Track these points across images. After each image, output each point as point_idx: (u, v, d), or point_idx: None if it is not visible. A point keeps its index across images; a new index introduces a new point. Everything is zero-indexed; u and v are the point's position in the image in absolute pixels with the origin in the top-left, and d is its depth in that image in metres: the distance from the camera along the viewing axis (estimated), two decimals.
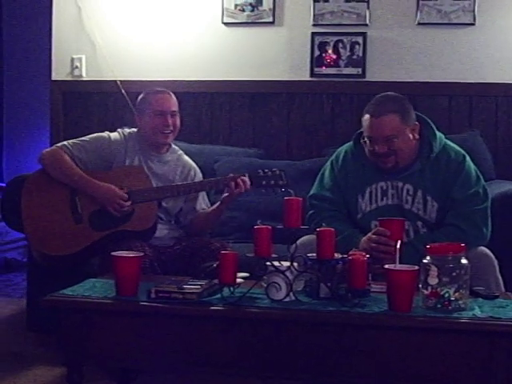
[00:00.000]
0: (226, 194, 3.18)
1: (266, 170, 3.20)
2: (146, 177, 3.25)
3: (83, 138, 3.32)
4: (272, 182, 3.19)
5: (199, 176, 3.43)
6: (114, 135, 3.35)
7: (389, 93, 3.01)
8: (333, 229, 2.35)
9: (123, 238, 3.05)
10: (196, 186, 3.26)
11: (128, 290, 2.37)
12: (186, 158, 3.46)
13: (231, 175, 3.17)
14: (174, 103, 3.32)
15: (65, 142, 3.31)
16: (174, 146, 3.44)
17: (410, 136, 2.90)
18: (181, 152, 3.45)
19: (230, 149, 4.15)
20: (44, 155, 3.26)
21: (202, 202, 3.38)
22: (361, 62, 4.19)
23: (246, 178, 3.14)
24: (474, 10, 4.07)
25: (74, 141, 3.30)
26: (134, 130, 3.40)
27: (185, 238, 3.34)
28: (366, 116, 2.90)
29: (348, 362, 2.22)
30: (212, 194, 3.56)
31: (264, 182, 3.19)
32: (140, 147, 3.33)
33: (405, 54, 4.17)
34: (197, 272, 2.77)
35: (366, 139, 2.91)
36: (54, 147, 3.32)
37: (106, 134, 3.35)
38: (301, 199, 2.40)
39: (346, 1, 4.17)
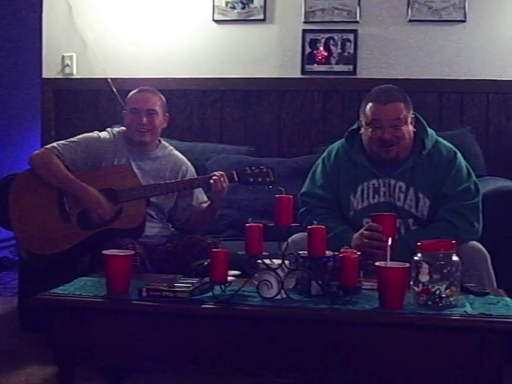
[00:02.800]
0: (211, 192, 3.22)
1: (254, 168, 3.24)
2: (133, 175, 3.26)
3: (72, 139, 3.33)
4: (259, 179, 3.22)
5: (191, 171, 3.44)
6: (104, 134, 3.36)
7: (388, 85, 3.02)
8: (324, 226, 2.35)
9: (112, 237, 3.04)
10: (182, 183, 3.27)
11: (119, 288, 2.37)
12: (177, 153, 3.46)
13: (214, 172, 3.20)
14: (152, 102, 3.32)
15: (54, 144, 3.31)
16: (163, 142, 3.44)
17: (410, 128, 2.92)
18: (171, 148, 3.46)
19: (221, 146, 4.15)
20: (33, 157, 3.26)
21: (199, 197, 3.39)
22: (352, 59, 4.19)
23: (222, 172, 3.18)
24: (464, 7, 4.08)
25: (63, 142, 3.31)
26: (124, 128, 3.41)
27: (176, 236, 3.34)
28: (371, 104, 2.90)
29: (339, 359, 2.22)
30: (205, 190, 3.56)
31: (251, 180, 3.22)
32: (129, 145, 3.34)
33: (396, 51, 4.17)
34: (188, 270, 2.77)
35: (368, 127, 2.91)
36: (43, 149, 3.33)
37: (95, 133, 3.37)
38: (292, 197, 2.39)
39: None
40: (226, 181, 3.17)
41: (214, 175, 3.17)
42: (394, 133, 2.88)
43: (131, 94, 3.39)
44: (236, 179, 3.23)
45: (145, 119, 3.28)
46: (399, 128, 2.88)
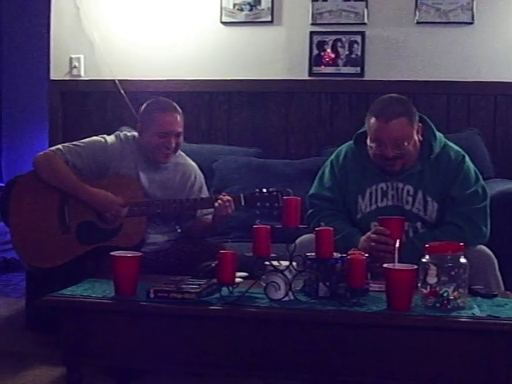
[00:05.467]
0: (215, 214, 3.13)
1: (264, 191, 3.11)
2: (138, 188, 3.18)
3: (78, 143, 3.21)
4: (267, 204, 3.10)
5: (200, 180, 3.34)
6: (111, 139, 3.24)
7: (393, 95, 2.97)
8: (332, 228, 2.35)
9: (107, 253, 2.74)
10: (186, 203, 3.14)
11: (127, 289, 2.37)
12: (187, 160, 3.36)
13: (222, 194, 3.11)
14: (180, 123, 3.19)
15: (59, 146, 3.21)
16: None
17: (416, 138, 2.89)
18: (182, 155, 3.35)
19: (228, 148, 4.15)
20: (38, 159, 3.16)
21: (203, 209, 3.28)
22: (359, 61, 4.19)
23: (229, 198, 3.07)
24: (472, 9, 4.07)
25: (68, 145, 3.20)
26: (134, 133, 3.30)
27: (181, 239, 3.29)
28: (373, 119, 2.85)
29: (347, 361, 2.22)
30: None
31: (258, 204, 3.11)
32: (138, 154, 3.23)
33: (403, 53, 4.17)
34: (195, 272, 2.76)
35: (372, 143, 2.88)
36: (47, 151, 3.22)
37: (102, 138, 3.24)
38: (300, 198, 2.39)
39: (344, 0, 4.17)
40: (232, 206, 3.08)
41: (221, 199, 3.07)
42: (398, 150, 2.83)
43: (157, 115, 3.19)
44: (242, 203, 3.12)
45: (173, 142, 3.17)
46: (402, 145, 2.83)
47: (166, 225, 3.29)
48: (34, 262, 3.12)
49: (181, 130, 3.21)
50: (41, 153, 3.22)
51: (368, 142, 2.91)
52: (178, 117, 3.21)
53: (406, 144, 2.84)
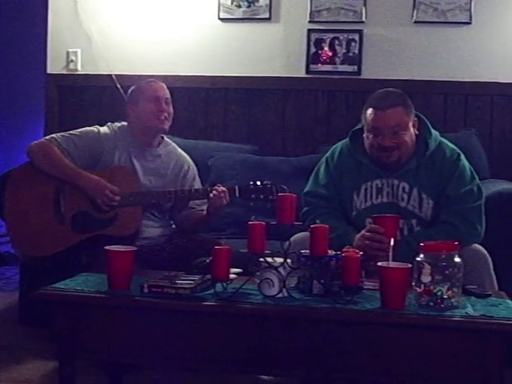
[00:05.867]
0: (209, 205, 3.14)
1: (258, 183, 3.12)
2: (134, 178, 3.20)
3: (72, 132, 3.26)
4: (261, 196, 3.11)
5: (193, 170, 3.39)
6: (104, 129, 3.29)
7: (389, 88, 3.01)
8: (327, 226, 2.35)
9: (104, 243, 2.80)
10: (181, 193, 3.17)
11: (121, 284, 2.37)
12: (179, 151, 3.41)
13: (217, 185, 3.12)
14: (167, 91, 3.30)
15: (53, 135, 3.24)
16: (166, 139, 3.40)
17: (412, 131, 2.91)
18: (173, 145, 3.41)
19: (224, 145, 4.14)
20: (32, 147, 3.18)
21: (197, 200, 3.33)
22: (357, 60, 4.19)
23: (224, 188, 3.08)
24: (470, 9, 4.08)
25: (63, 134, 3.24)
26: (124, 123, 3.33)
27: (176, 234, 3.30)
28: (370, 110, 2.89)
29: (340, 358, 2.22)
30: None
31: (253, 196, 3.12)
32: (131, 141, 3.27)
33: (401, 52, 4.17)
34: (189, 267, 2.76)
35: (369, 133, 2.90)
36: (42, 140, 3.25)
37: (95, 128, 3.29)
38: (295, 196, 2.39)
39: None
40: (227, 197, 3.08)
41: (215, 190, 3.08)
42: (394, 139, 2.86)
43: (143, 85, 3.31)
44: (237, 195, 3.13)
45: (165, 106, 3.24)
46: (399, 134, 2.86)
47: (161, 216, 3.30)
48: (29, 252, 3.12)
49: (169, 97, 3.29)
50: (35, 142, 3.24)
51: (365, 133, 2.93)
52: (164, 86, 3.32)
53: (402, 133, 2.86)
